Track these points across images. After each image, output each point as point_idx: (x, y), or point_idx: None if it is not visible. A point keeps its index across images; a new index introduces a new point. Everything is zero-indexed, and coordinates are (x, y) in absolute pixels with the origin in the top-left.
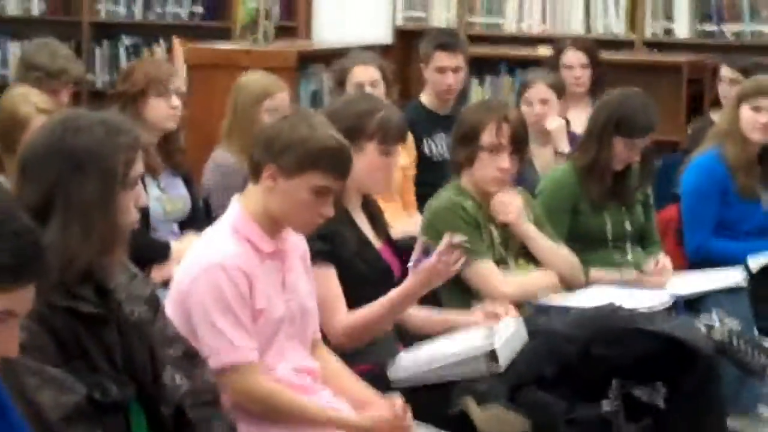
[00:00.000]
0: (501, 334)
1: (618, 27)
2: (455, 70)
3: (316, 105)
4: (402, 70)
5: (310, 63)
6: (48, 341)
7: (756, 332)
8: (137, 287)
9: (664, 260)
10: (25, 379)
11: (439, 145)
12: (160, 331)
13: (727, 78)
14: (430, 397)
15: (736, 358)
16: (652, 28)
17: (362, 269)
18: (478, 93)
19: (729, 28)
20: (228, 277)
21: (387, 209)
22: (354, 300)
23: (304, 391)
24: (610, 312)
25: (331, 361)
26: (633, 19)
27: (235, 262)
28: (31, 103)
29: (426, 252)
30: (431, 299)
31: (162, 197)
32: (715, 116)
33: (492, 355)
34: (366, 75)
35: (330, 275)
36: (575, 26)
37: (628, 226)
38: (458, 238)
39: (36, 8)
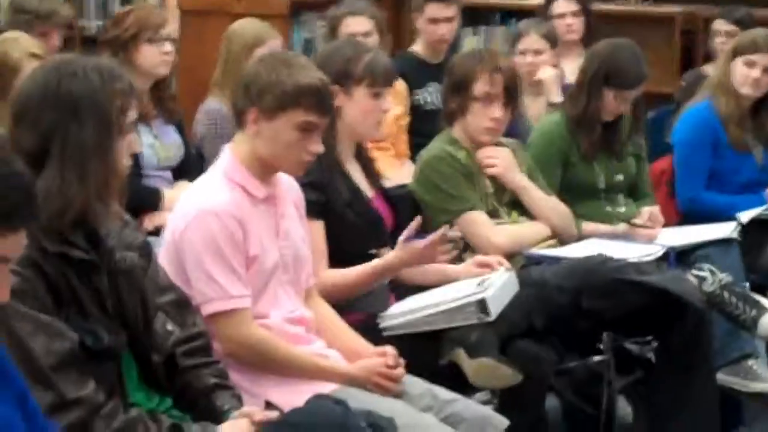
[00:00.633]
0: (492, 284)
1: None
2: (448, 20)
3: (309, 53)
4: (395, 18)
5: (303, 11)
6: (41, 287)
7: (747, 285)
8: (129, 235)
9: (655, 210)
10: (18, 325)
11: (431, 95)
12: (152, 278)
13: (722, 31)
14: (420, 349)
15: (726, 311)
16: None
17: (353, 219)
18: (471, 42)
19: None
20: (221, 224)
21: (380, 158)
22: (345, 249)
23: (297, 341)
24: (600, 262)
25: (324, 310)
26: None
27: (229, 208)
28: (23, 48)
29: (420, 232)
30: None
31: (155, 144)
32: (707, 68)
33: (482, 304)
34: (358, 25)
35: (317, 229)
36: None
37: (619, 178)
38: (454, 234)
39: None
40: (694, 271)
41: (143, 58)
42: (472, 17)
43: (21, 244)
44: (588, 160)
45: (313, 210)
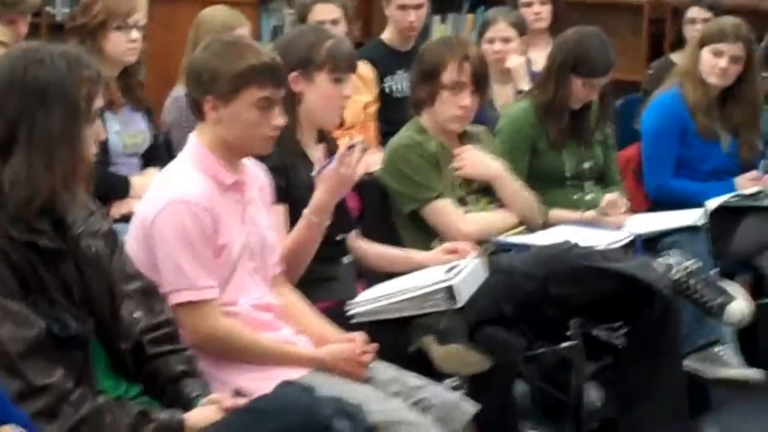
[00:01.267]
0: (460, 271)
1: None
2: (417, 7)
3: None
4: (364, 6)
5: None
6: (7, 275)
7: (716, 271)
8: (95, 222)
9: (614, 197)
10: None
11: (400, 83)
12: (119, 266)
13: (699, 18)
14: (389, 336)
15: (693, 298)
16: None
17: None
18: (440, 30)
19: None
20: (191, 214)
21: None
22: None
23: (265, 327)
24: (568, 249)
25: (292, 297)
26: None
27: (199, 198)
28: None
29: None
30: (392, 239)
31: (122, 132)
32: (675, 57)
33: (450, 291)
34: (327, 13)
35: (279, 213)
36: None
37: (587, 165)
38: (356, 139)
39: None
40: (662, 259)
41: (111, 46)
42: (441, 5)
43: None
44: (556, 148)
45: (276, 195)
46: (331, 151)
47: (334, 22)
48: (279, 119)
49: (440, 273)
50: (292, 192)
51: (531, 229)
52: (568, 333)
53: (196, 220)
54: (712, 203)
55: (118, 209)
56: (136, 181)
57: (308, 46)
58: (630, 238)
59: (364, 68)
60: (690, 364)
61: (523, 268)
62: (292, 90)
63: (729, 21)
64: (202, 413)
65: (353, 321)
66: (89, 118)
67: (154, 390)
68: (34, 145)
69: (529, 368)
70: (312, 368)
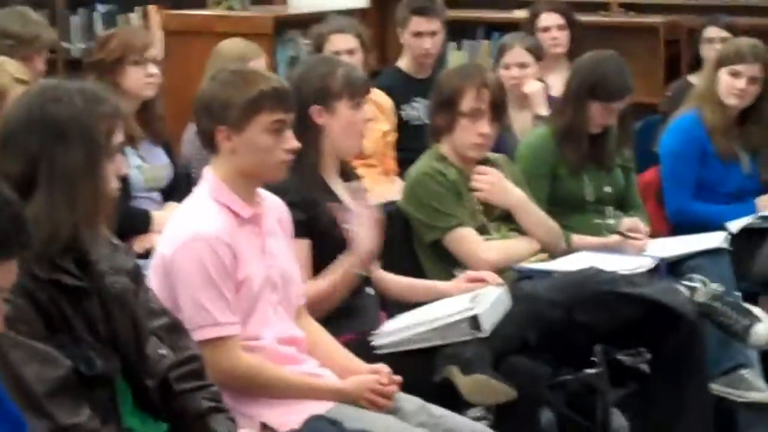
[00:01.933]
0: (484, 299)
1: None
2: (432, 34)
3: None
4: (379, 34)
5: (286, 29)
6: (33, 314)
7: (738, 294)
8: (119, 259)
9: (635, 221)
10: (10, 353)
11: (418, 110)
12: (144, 303)
13: (717, 38)
14: (414, 366)
15: (718, 321)
16: None
17: (339, 236)
18: (456, 57)
19: None
20: (211, 250)
21: (368, 175)
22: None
23: (290, 361)
24: (592, 275)
25: (315, 329)
26: None
27: (218, 233)
28: (8, 73)
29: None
30: (415, 269)
31: (142, 166)
32: (693, 78)
33: (474, 321)
34: (343, 43)
35: (302, 248)
36: None
37: (608, 190)
38: (355, 185)
39: None
40: (686, 282)
41: (129, 81)
42: (457, 32)
43: (13, 274)
44: (576, 173)
45: (299, 229)
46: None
47: (350, 51)
48: (292, 141)
49: (464, 302)
50: (316, 226)
51: (553, 255)
52: (593, 359)
53: (215, 256)
54: (734, 225)
55: (140, 244)
56: (158, 215)
57: (322, 77)
58: (654, 263)
59: (382, 97)
60: (716, 387)
61: (547, 295)
62: (316, 123)
63: (746, 42)
64: None
65: (377, 352)
66: (109, 154)
67: (182, 427)
68: (55, 182)
69: (554, 396)
70: (337, 401)
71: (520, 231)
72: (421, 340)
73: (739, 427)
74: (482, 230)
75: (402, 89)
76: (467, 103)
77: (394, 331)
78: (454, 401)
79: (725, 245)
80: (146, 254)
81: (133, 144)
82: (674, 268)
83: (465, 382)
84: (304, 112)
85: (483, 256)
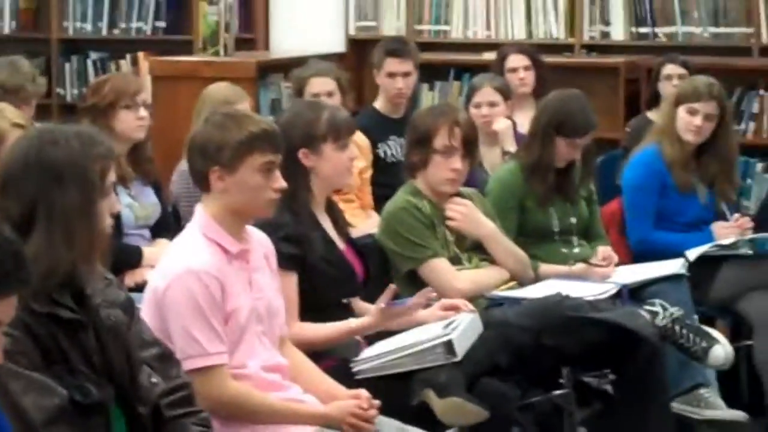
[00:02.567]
0: (457, 325)
1: (558, 32)
2: (405, 75)
3: (276, 112)
4: (356, 77)
5: (268, 73)
6: (31, 347)
7: (696, 318)
8: (113, 293)
9: (608, 250)
10: (9, 384)
11: (393, 148)
12: (136, 334)
13: (674, 75)
14: (392, 390)
15: (678, 344)
16: (590, 32)
17: (328, 270)
18: (428, 97)
19: (662, 30)
20: (201, 284)
21: (346, 210)
22: (320, 299)
23: (274, 388)
24: (559, 301)
25: (298, 357)
26: (572, 24)
27: (208, 268)
28: (7, 118)
29: (395, 297)
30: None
31: (133, 204)
32: (652, 114)
33: (449, 346)
34: (322, 86)
35: (290, 282)
36: (517, 32)
37: (573, 221)
38: (432, 293)
39: (7, 27)
40: (647, 307)
41: (121, 124)
42: (429, 73)
43: (13, 308)
44: (543, 205)
45: (290, 263)
46: (337, 224)
47: (329, 94)
48: (280, 182)
49: (438, 328)
50: (306, 260)
51: (522, 283)
52: (560, 381)
53: (205, 290)
54: (693, 253)
55: (131, 278)
56: (148, 251)
57: (308, 122)
58: (617, 289)
59: (359, 136)
60: (677, 406)
61: (517, 321)
62: (304, 166)
63: (702, 81)
64: None
65: (357, 377)
66: (104, 193)
67: None
68: (54, 222)
69: (524, 416)
70: (321, 425)
71: (491, 261)
72: (398, 366)
73: None
74: (455, 260)
75: (378, 128)
76: (440, 140)
77: (373, 357)
78: (431, 423)
79: (684, 272)
80: (138, 288)
81: (124, 184)
82: (636, 293)
83: (440, 405)
84: (293, 155)
85: (456, 285)
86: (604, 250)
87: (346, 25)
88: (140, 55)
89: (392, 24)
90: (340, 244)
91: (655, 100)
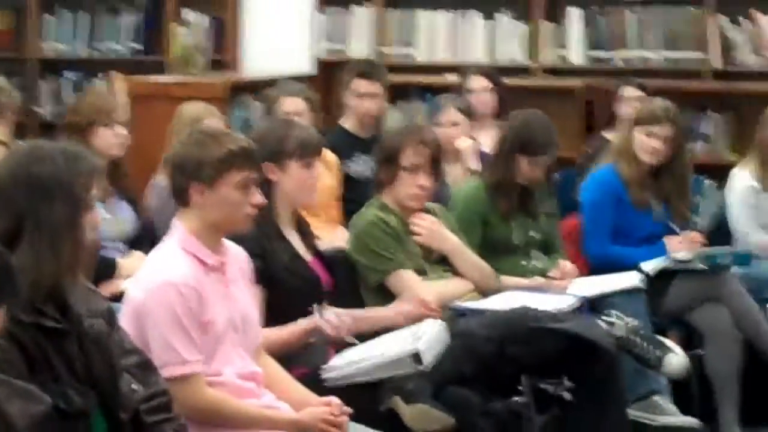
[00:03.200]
0: (424, 336)
1: (518, 55)
2: (373, 96)
3: (247, 131)
4: (324, 97)
5: (240, 93)
6: (17, 355)
7: (651, 328)
8: (95, 303)
9: (568, 264)
10: None
11: (360, 165)
12: (117, 342)
13: (632, 96)
14: (362, 397)
15: (634, 353)
16: (549, 56)
17: (293, 282)
18: (393, 117)
19: (618, 55)
20: (179, 295)
21: (314, 224)
22: (286, 309)
23: (249, 395)
24: (522, 313)
25: (272, 366)
26: (532, 48)
27: (186, 279)
28: None
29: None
30: (357, 305)
31: (109, 219)
32: (608, 134)
33: (416, 356)
34: (292, 106)
35: (257, 293)
36: (479, 55)
37: (534, 235)
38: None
39: None
40: (604, 317)
41: (100, 141)
42: (393, 94)
43: (0, 319)
44: (505, 220)
45: (255, 276)
46: (304, 237)
47: (299, 113)
48: (258, 197)
49: (406, 337)
50: (270, 273)
51: (485, 294)
52: (519, 388)
53: (183, 300)
54: (648, 266)
55: (107, 289)
56: (122, 262)
57: (278, 138)
58: (580, 302)
59: (328, 154)
60: (632, 412)
61: (480, 331)
62: (268, 179)
63: (659, 104)
64: None
65: (327, 385)
66: (88, 207)
67: None
68: (40, 235)
69: (486, 422)
70: (293, 430)
71: (455, 272)
72: (367, 374)
73: None
74: (421, 272)
75: (346, 147)
76: (407, 158)
77: (342, 365)
78: (399, 429)
79: (640, 284)
80: (113, 298)
81: (101, 199)
82: (594, 305)
83: (408, 412)
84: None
85: (421, 296)
86: (566, 264)
87: (315, 47)
88: (114, 74)
89: (359, 47)
90: (307, 256)
91: (610, 121)
